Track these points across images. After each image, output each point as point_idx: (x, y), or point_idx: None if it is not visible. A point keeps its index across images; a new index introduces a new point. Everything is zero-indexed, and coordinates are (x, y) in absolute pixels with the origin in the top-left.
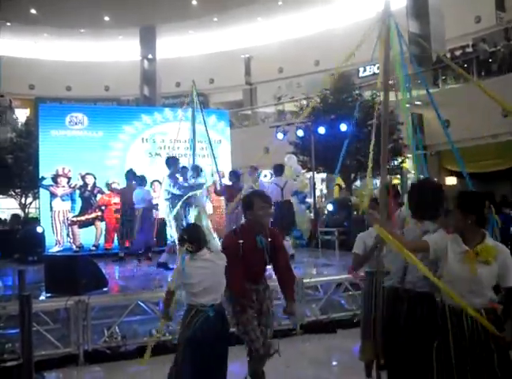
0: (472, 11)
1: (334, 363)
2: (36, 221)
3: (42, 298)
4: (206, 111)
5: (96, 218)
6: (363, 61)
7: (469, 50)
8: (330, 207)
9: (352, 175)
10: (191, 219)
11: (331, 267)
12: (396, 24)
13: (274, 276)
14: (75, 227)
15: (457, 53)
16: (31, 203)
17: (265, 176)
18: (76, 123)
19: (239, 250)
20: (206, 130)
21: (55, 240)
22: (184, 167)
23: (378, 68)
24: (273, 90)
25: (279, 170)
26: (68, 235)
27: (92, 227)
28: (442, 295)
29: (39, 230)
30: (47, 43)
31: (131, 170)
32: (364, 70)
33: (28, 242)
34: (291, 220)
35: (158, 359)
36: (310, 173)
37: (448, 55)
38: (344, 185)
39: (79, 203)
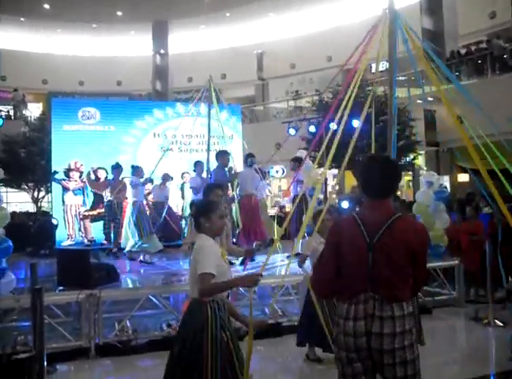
0: (487, 6)
1: None
2: (49, 214)
3: (54, 291)
4: (219, 106)
5: None
6: (375, 57)
7: (483, 45)
8: (346, 204)
9: None
10: None
11: None
12: (404, 19)
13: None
14: (87, 221)
15: (472, 48)
16: (43, 197)
17: (277, 172)
18: (88, 118)
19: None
20: (222, 126)
21: (67, 234)
22: (198, 162)
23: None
24: (285, 86)
25: (297, 163)
26: (80, 229)
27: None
28: None
29: (53, 222)
30: (60, 37)
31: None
32: (377, 66)
33: (42, 235)
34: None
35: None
36: (322, 169)
37: (462, 51)
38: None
39: (91, 197)
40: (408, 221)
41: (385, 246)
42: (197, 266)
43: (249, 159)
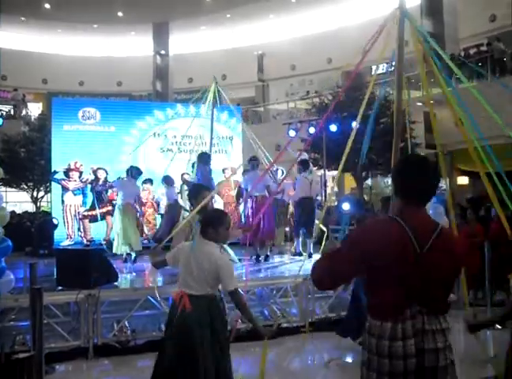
0: (487, 9)
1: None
2: (49, 214)
3: (53, 291)
4: (219, 107)
5: (107, 212)
6: (375, 59)
7: (484, 48)
8: (347, 206)
9: (364, 173)
10: None
11: None
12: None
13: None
14: (86, 222)
15: (472, 51)
16: (42, 197)
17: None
18: (88, 118)
19: None
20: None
21: (66, 234)
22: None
23: (391, 66)
24: (286, 87)
25: (305, 165)
26: (79, 229)
27: (103, 221)
28: None
29: (54, 222)
30: (61, 38)
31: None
32: (377, 68)
33: (41, 235)
34: (313, 218)
35: None
36: (322, 171)
37: (462, 54)
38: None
39: (90, 197)
40: (449, 231)
41: (435, 257)
42: (225, 277)
43: (252, 162)
